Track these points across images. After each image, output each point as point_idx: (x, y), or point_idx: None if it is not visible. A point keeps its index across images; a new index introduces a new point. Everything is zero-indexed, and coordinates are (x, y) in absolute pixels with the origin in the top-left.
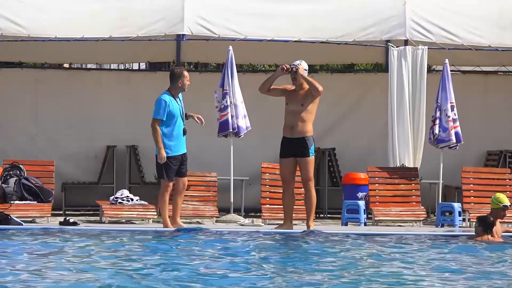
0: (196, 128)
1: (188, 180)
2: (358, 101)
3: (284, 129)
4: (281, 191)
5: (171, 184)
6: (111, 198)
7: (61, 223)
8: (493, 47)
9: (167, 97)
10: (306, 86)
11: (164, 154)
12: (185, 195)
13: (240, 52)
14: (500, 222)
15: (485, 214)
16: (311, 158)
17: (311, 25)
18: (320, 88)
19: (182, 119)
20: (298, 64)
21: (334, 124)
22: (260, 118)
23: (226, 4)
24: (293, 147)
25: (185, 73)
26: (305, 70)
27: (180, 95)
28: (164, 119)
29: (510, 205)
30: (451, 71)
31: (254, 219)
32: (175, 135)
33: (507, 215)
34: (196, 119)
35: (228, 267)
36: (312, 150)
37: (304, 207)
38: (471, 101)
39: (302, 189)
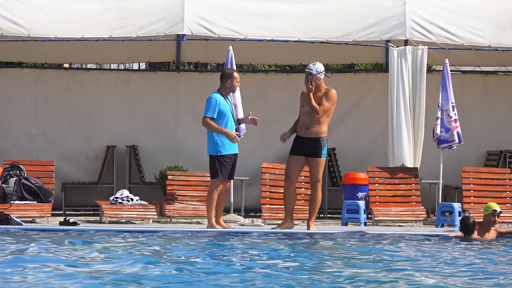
0: (196, 128)
1: (188, 180)
2: (358, 101)
3: (298, 128)
4: (281, 191)
5: (221, 184)
6: (111, 198)
7: (61, 223)
8: (493, 47)
9: (217, 96)
10: (321, 89)
11: (233, 133)
12: (184, 195)
13: (240, 52)
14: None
15: (467, 215)
16: (322, 159)
17: (311, 25)
18: (317, 114)
19: (233, 119)
20: (310, 84)
21: (334, 124)
22: (260, 118)
23: (226, 4)
24: (305, 146)
25: (235, 74)
26: (322, 72)
27: (229, 97)
28: (215, 117)
29: (500, 211)
30: (451, 71)
31: (254, 219)
32: None
33: (508, 216)
34: (250, 120)
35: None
36: (324, 151)
37: (305, 207)
38: (471, 101)
39: (303, 189)
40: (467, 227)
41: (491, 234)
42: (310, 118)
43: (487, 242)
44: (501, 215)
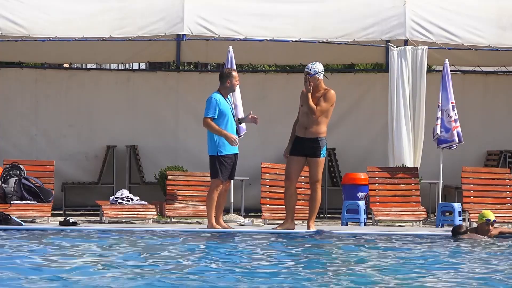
0: (196, 128)
1: (188, 180)
2: (358, 101)
3: (297, 129)
4: (281, 191)
5: (221, 184)
6: (111, 198)
7: (61, 223)
8: (493, 47)
9: (217, 96)
10: (320, 89)
11: (233, 136)
12: (184, 195)
13: (240, 52)
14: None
15: (460, 224)
16: (322, 159)
17: (311, 25)
18: (313, 114)
19: (234, 119)
20: (308, 85)
21: (334, 124)
22: (260, 118)
23: (226, 4)
24: (304, 147)
25: (234, 73)
26: (321, 72)
27: (229, 96)
28: (216, 117)
29: (494, 221)
30: (451, 71)
31: (254, 219)
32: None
33: (508, 216)
34: (250, 119)
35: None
36: (323, 151)
37: (305, 207)
38: (471, 101)
39: (303, 189)
40: (457, 235)
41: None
42: (309, 118)
43: (481, 242)
44: (501, 215)
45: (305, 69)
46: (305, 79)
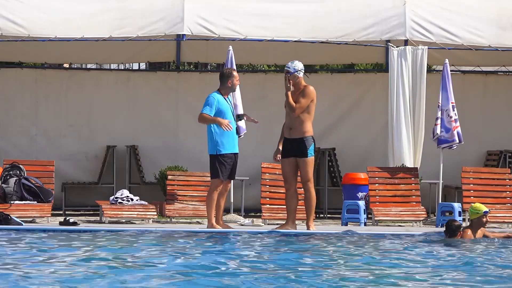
0: (196, 128)
1: (188, 180)
2: (358, 101)
3: (284, 130)
4: (281, 191)
5: (221, 184)
6: (111, 198)
7: (61, 223)
8: (493, 47)
9: (216, 95)
10: (301, 87)
11: (226, 121)
12: (184, 195)
13: (240, 52)
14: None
15: (453, 218)
16: (310, 158)
17: (311, 25)
18: (293, 112)
19: (234, 118)
20: (288, 83)
21: (334, 124)
22: (260, 118)
23: (226, 4)
24: (292, 147)
25: (234, 73)
26: (300, 70)
27: (229, 96)
28: (213, 115)
29: (489, 210)
30: (451, 71)
31: (254, 219)
32: (227, 133)
33: (508, 216)
34: (247, 119)
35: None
36: (311, 150)
37: (303, 207)
38: (471, 101)
39: (303, 189)
40: (450, 229)
41: (479, 236)
42: (292, 118)
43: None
44: (501, 215)
45: (285, 68)
46: (285, 77)
